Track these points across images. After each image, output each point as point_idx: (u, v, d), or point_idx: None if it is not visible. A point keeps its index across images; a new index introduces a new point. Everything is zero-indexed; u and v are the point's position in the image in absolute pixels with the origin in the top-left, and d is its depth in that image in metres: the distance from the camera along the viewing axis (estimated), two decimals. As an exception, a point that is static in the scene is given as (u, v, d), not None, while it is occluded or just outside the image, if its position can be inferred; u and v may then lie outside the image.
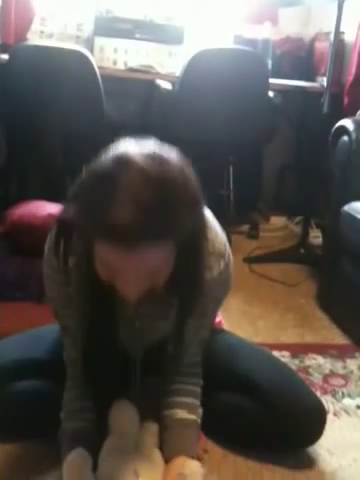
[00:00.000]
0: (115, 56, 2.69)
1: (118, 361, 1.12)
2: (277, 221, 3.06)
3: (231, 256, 1.10)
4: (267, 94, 2.49)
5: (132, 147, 0.83)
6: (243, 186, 2.96)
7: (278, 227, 3.01)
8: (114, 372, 1.12)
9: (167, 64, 2.67)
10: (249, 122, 2.43)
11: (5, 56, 2.41)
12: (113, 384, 1.12)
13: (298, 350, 1.72)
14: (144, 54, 2.69)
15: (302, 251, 2.60)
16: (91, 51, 2.56)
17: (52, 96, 2.29)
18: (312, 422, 1.20)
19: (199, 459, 1.11)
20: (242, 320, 1.96)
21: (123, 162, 0.80)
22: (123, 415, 1.14)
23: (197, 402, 1.15)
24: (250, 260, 2.52)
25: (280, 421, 1.16)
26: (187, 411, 1.12)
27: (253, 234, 2.88)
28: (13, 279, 1.78)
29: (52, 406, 1.13)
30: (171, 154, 0.85)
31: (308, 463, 1.23)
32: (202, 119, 2.39)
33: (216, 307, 1.16)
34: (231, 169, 2.81)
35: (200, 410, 1.15)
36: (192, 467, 1.04)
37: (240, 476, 1.18)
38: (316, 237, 2.72)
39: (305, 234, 2.64)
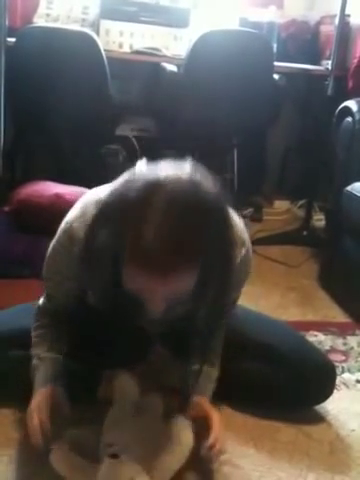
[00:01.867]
0: (121, 39, 2.69)
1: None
2: (281, 205, 3.08)
3: (249, 241, 1.14)
4: (272, 77, 2.50)
5: (164, 172, 0.84)
6: (247, 169, 2.97)
7: (282, 211, 3.04)
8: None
9: (173, 47, 2.68)
10: (254, 104, 2.44)
11: (12, 39, 2.43)
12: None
13: (299, 327, 1.74)
14: (149, 37, 2.70)
15: (305, 233, 2.62)
16: (97, 34, 2.57)
17: (58, 78, 2.30)
18: (324, 377, 1.28)
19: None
20: (244, 299, 1.94)
21: (155, 190, 0.81)
22: (124, 387, 1.18)
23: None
24: (253, 242, 2.53)
25: (297, 381, 1.23)
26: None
27: (257, 217, 2.90)
28: (20, 256, 1.81)
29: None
30: (205, 180, 0.85)
31: (308, 433, 1.26)
32: (207, 101, 2.40)
33: (239, 291, 1.21)
34: (235, 152, 2.82)
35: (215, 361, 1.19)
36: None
37: (244, 439, 1.22)
38: (319, 220, 2.74)
39: (308, 217, 2.66)
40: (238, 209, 2.99)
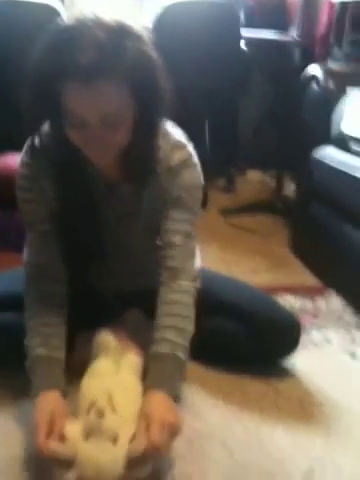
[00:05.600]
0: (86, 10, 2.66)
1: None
2: (253, 175, 3.10)
3: (195, 155, 1.17)
4: (239, 45, 2.50)
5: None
6: (219, 140, 2.98)
7: (254, 181, 3.06)
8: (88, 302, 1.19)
9: (139, 18, 2.65)
10: (222, 71, 2.44)
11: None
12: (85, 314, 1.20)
13: (270, 291, 1.76)
14: (115, 7, 2.66)
15: (276, 203, 2.65)
16: (62, 5, 2.53)
17: (21, 52, 2.26)
18: (290, 331, 1.33)
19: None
20: (218, 266, 1.98)
21: (83, 19, 0.96)
22: (105, 343, 1.19)
23: (181, 324, 1.11)
24: (225, 212, 2.57)
25: (261, 334, 1.28)
26: (164, 343, 1.09)
27: (229, 188, 2.92)
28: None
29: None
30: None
31: (277, 389, 1.30)
32: (175, 71, 2.37)
33: (192, 200, 1.17)
34: (207, 124, 2.82)
35: (179, 339, 1.09)
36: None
37: (213, 394, 1.26)
38: (291, 189, 2.77)
39: (280, 186, 2.69)
40: (210, 180, 2.99)
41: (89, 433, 0.98)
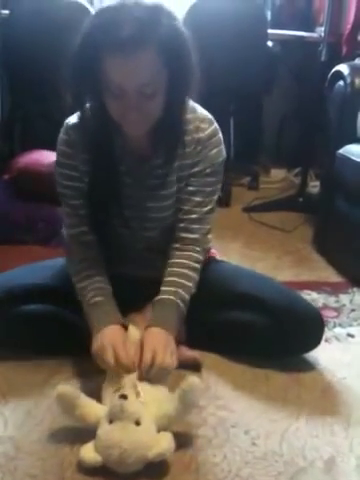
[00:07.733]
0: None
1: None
2: (277, 173, 3.11)
3: (220, 132, 1.25)
4: (266, 44, 2.52)
5: None
6: (244, 139, 3.00)
7: (278, 179, 3.07)
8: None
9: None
10: (248, 71, 2.46)
11: (6, 11, 2.45)
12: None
13: (293, 287, 1.77)
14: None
15: (300, 200, 2.66)
16: (91, 3, 2.59)
17: (53, 47, 2.31)
18: (313, 326, 1.33)
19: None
20: (242, 262, 2.02)
21: (123, 0, 1.06)
22: (132, 336, 1.21)
23: (185, 282, 1.21)
24: (249, 209, 2.58)
25: (284, 329, 1.28)
26: (167, 293, 1.20)
27: (253, 186, 2.93)
28: (22, 223, 1.86)
29: (59, 328, 1.25)
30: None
31: (301, 380, 1.32)
32: (201, 69, 2.42)
33: (214, 174, 1.25)
34: (232, 122, 2.85)
35: (182, 291, 1.20)
36: (191, 382, 1.10)
37: (238, 386, 1.29)
38: (315, 186, 2.77)
39: (304, 183, 2.69)
40: (235, 178, 3.00)
41: (113, 417, 1.01)
